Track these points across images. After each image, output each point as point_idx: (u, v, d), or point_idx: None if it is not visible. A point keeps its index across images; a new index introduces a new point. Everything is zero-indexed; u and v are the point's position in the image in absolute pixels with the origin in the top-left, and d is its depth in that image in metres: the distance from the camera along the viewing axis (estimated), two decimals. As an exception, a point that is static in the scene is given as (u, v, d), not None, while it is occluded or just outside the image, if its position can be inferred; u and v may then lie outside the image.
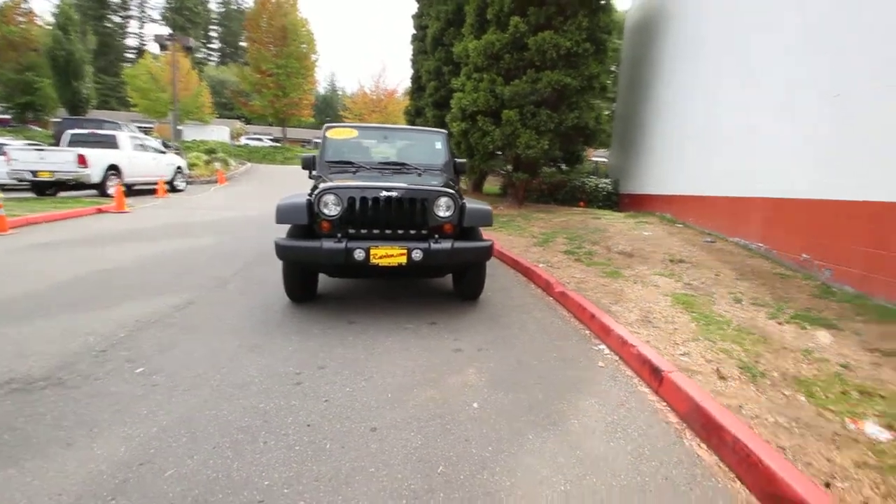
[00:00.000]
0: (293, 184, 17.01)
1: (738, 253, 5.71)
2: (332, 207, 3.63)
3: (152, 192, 12.10)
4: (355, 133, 4.97)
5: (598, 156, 23.87)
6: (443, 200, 3.79)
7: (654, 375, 2.58)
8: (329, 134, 4.91)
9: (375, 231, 3.68)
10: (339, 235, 3.56)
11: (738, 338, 3.22)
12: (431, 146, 5.09)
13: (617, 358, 3.02)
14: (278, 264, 4.82)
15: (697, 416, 2.14)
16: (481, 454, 1.93)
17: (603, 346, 3.21)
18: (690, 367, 2.71)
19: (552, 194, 13.68)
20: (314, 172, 4.92)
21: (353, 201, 3.64)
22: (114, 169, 10.50)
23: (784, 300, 4.01)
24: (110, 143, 10.75)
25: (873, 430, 2.11)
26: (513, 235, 7.73)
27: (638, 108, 11.25)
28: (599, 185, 13.02)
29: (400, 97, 41.61)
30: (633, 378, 2.73)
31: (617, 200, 12.61)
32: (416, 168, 4.78)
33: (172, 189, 13.42)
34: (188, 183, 14.95)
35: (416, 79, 17.35)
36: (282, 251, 3.52)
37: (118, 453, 1.87)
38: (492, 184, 17.24)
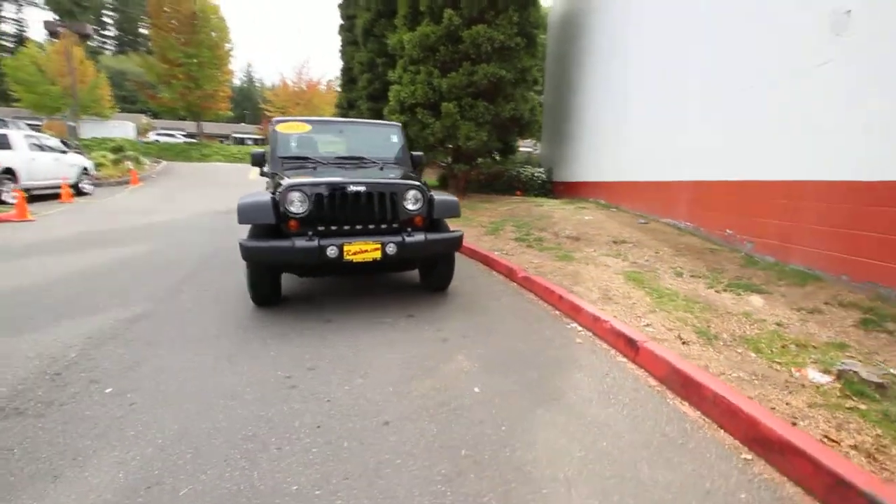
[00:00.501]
0: (224, 183, 15.98)
1: (671, 232, 6.28)
2: (298, 205, 3.51)
3: (55, 196, 10.77)
4: (308, 127, 4.80)
5: (525, 146, 24.80)
6: (411, 193, 3.80)
7: (629, 346, 2.82)
8: (279, 128, 4.70)
9: (346, 227, 3.62)
10: (309, 233, 3.46)
11: (688, 307, 3.58)
12: (387, 139, 5.05)
13: (591, 334, 3.25)
14: (229, 269, 4.57)
15: (676, 378, 2.39)
16: (498, 434, 2.02)
17: (575, 325, 3.43)
18: (656, 337, 2.98)
19: (490, 184, 14.04)
20: (266, 169, 4.71)
21: (321, 197, 3.55)
22: (8, 173, 9.20)
23: (717, 271, 4.51)
24: (1, 143, 9.40)
25: (815, 375, 2.48)
26: (462, 226, 7.87)
27: (566, 101, 11.84)
28: (535, 175, 13.57)
29: (324, 89, 40.26)
30: (609, 350, 2.96)
31: (551, 188, 13.20)
32: (374, 162, 4.74)
33: (78, 193, 12.04)
34: (96, 185, 13.49)
35: (346, 70, 16.92)
36: (249, 252, 3.35)
37: (118, 479, 1.72)
38: (428, 175, 17.32)
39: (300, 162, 4.55)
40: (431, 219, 3.91)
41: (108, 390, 2.39)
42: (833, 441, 1.87)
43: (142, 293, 4.13)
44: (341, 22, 17.37)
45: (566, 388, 2.45)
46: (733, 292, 3.91)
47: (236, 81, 52.47)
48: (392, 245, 3.53)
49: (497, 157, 13.52)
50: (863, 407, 2.15)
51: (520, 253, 5.70)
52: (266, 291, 3.73)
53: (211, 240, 6.88)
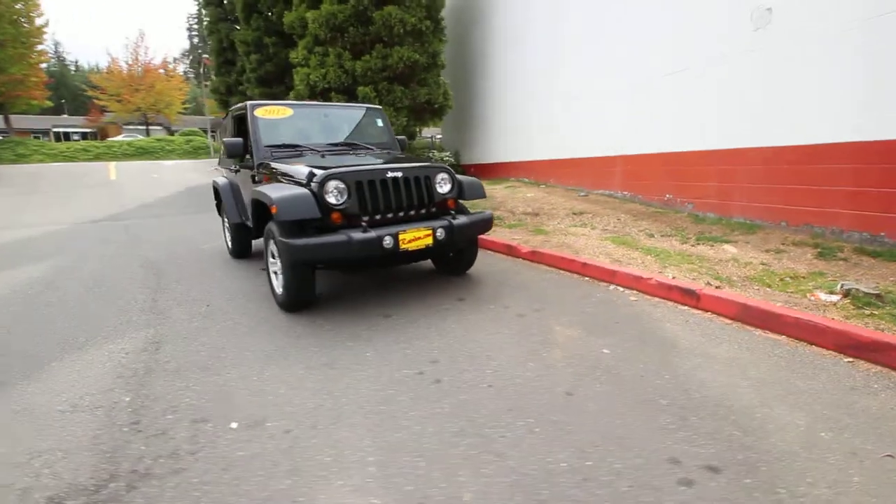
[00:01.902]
0: (84, 185, 13.13)
1: (613, 202, 7.09)
2: (339, 195, 3.22)
3: None
4: (290, 112, 4.33)
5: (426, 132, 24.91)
6: (442, 176, 3.74)
7: (686, 296, 3.25)
8: (259, 113, 4.18)
9: (389, 215, 3.43)
10: (364, 224, 3.20)
11: (685, 259, 4.19)
12: (373, 123, 4.80)
13: (636, 292, 3.62)
14: (203, 279, 4.09)
15: (751, 314, 2.86)
16: (672, 382, 2.23)
17: (616, 286, 3.78)
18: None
19: (402, 170, 13.97)
20: (249, 160, 4.15)
21: (361, 185, 3.31)
22: None
23: (679, 229, 5.29)
24: None
25: (825, 297, 3.17)
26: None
27: (472, 85, 12.26)
28: (444, 158, 13.85)
29: (164, 73, 35.12)
30: (666, 302, 3.36)
31: (461, 171, 13.63)
32: (368, 147, 4.50)
33: None
34: None
35: (220, 51, 15.03)
36: (300, 251, 3.00)
37: (372, 506, 1.52)
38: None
39: (291, 150, 4.11)
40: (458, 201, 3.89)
41: (232, 425, 2.00)
42: (889, 338, 2.48)
43: (120, 319, 3.39)
44: (206, -5, 15.32)
45: (670, 336, 2.76)
46: (706, 244, 4.66)
47: (44, 64, 42.74)
48: (441, 230, 3.45)
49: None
50: (877, 313, 2.84)
51: (493, 231, 5.92)
52: (307, 293, 3.36)
53: (128, 251, 5.80)
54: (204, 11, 15.52)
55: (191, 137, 28.78)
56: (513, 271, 4.41)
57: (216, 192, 5.40)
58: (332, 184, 3.21)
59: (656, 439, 1.81)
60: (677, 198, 5.99)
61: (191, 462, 1.78)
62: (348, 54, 10.41)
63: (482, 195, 4.01)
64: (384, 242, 3.16)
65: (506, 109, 10.88)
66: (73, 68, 51.44)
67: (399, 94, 10.59)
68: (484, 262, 4.81)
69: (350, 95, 10.50)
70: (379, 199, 3.37)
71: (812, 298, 3.17)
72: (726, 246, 4.54)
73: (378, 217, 3.37)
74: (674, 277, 3.67)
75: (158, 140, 28.33)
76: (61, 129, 37.35)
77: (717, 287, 3.40)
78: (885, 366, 2.28)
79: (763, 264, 3.93)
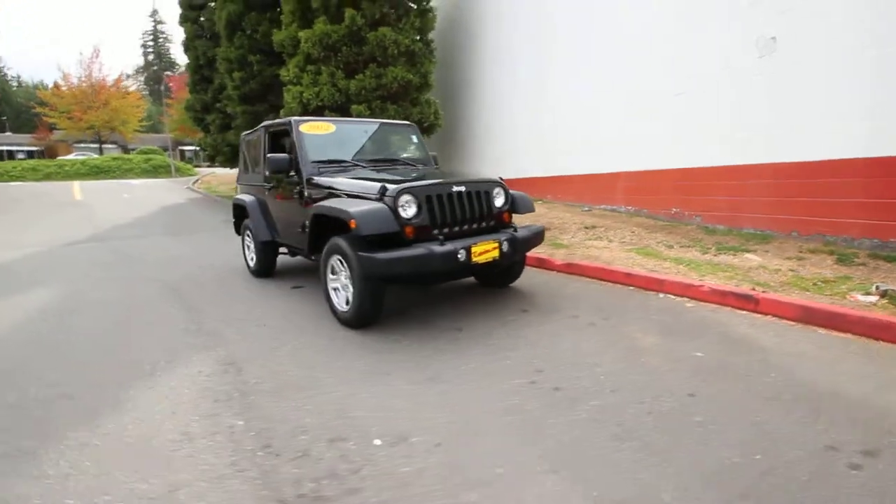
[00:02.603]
0: (35, 206, 12.22)
1: (619, 216, 7.38)
2: (411, 209, 3.23)
3: None
4: (332, 128, 4.30)
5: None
6: (498, 191, 3.81)
7: (743, 300, 3.44)
8: (304, 129, 4.13)
9: (455, 229, 3.45)
10: (440, 238, 3.20)
11: (716, 269, 4.43)
12: (409, 139, 4.84)
13: (688, 299, 3.78)
14: (235, 299, 4.01)
15: (814, 314, 3.06)
16: (778, 380, 2.35)
17: (666, 295, 3.93)
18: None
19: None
20: (293, 176, 4.07)
21: (430, 200, 3.33)
22: None
23: (695, 241, 5.58)
24: None
25: (862, 297, 3.44)
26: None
27: (461, 104, 12.54)
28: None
29: (121, 90, 33.66)
30: (723, 308, 3.53)
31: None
32: (408, 163, 4.53)
33: None
34: None
35: (196, 68, 14.62)
36: (386, 266, 2.98)
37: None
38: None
39: (336, 165, 4.08)
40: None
41: (377, 442, 1.94)
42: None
43: (170, 342, 3.20)
44: (181, 11, 14.91)
45: (749, 338, 2.91)
46: (727, 254, 4.93)
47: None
48: (506, 242, 3.50)
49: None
50: (917, 310, 3.12)
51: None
52: (377, 308, 3.30)
53: (130, 273, 5.51)
54: (181, 28, 15.04)
55: (150, 156, 27.59)
56: (555, 283, 4.50)
57: (240, 209, 5.23)
58: (405, 198, 3.21)
59: (802, 431, 1.91)
60: (684, 211, 6.33)
61: (358, 482, 1.71)
62: (341, 73, 10.43)
63: (532, 209, 4.10)
64: (459, 255, 3.18)
65: (494, 128, 11.18)
66: (14, 84, 48.30)
67: (392, 113, 10.65)
68: (523, 275, 4.88)
69: (343, 113, 10.48)
70: (446, 212, 3.39)
71: (851, 299, 3.43)
72: (748, 255, 4.83)
73: (445, 231, 3.39)
74: (722, 284, 3.87)
75: (115, 159, 26.99)
76: (4, 148, 34.78)
77: (763, 292, 3.62)
78: (957, 356, 2.52)
79: (791, 271, 4.21)
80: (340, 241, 3.30)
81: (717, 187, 5.86)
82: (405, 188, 3.23)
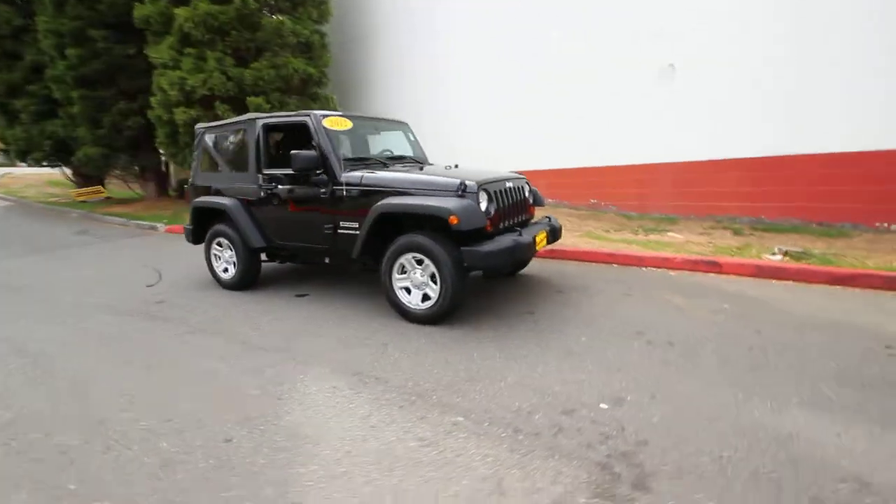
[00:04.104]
0: None
1: (547, 207, 8.34)
2: (485, 203, 3.42)
3: None
4: (350, 124, 4.09)
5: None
6: (528, 185, 4.20)
7: (710, 265, 4.50)
8: (328, 124, 3.87)
9: (508, 223, 3.72)
10: (518, 230, 3.45)
11: (659, 245, 5.58)
12: (408, 137, 4.84)
13: (666, 270, 4.72)
14: (261, 313, 3.85)
15: (762, 271, 4.23)
16: (870, 330, 3.29)
17: (647, 268, 4.83)
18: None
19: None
20: (321, 175, 3.79)
21: (498, 195, 3.57)
22: None
23: (622, 225, 6.77)
24: None
25: (772, 257, 4.82)
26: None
27: (356, 102, 12.30)
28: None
29: None
30: (695, 273, 4.54)
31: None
32: (415, 161, 4.58)
33: None
34: None
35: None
36: (490, 258, 3.17)
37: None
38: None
39: (359, 163, 3.94)
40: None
41: (603, 406, 2.19)
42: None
43: (257, 353, 2.82)
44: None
45: (741, 293, 3.89)
46: (654, 234, 6.19)
47: None
48: (550, 232, 3.94)
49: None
50: (812, 261, 4.55)
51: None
52: (462, 299, 3.38)
53: (55, 300, 4.35)
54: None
55: None
56: (548, 268, 5.05)
57: (207, 213, 4.53)
58: (483, 194, 3.37)
59: (834, 342, 2.81)
60: (601, 202, 7.59)
61: (633, 435, 1.97)
62: (231, 60, 9.35)
63: (543, 203, 4.58)
64: (535, 245, 3.51)
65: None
66: None
67: (293, 107, 9.98)
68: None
69: (238, 105, 9.43)
70: (505, 206, 3.65)
71: (765, 258, 4.80)
72: (670, 234, 6.15)
73: (505, 224, 3.65)
74: (690, 255, 4.95)
75: None
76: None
77: (720, 258, 4.78)
78: (859, 286, 3.84)
79: (710, 243, 5.56)
80: (421, 239, 3.28)
81: (627, 182, 7.21)
82: (481, 183, 3.39)
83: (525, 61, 8.18)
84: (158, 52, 9.06)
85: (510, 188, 3.77)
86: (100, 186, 13.17)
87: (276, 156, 4.46)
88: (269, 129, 4.15)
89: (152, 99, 9.33)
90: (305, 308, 3.92)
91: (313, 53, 10.33)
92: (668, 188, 6.82)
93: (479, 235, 3.33)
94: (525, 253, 3.38)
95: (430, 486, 1.71)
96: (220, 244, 4.55)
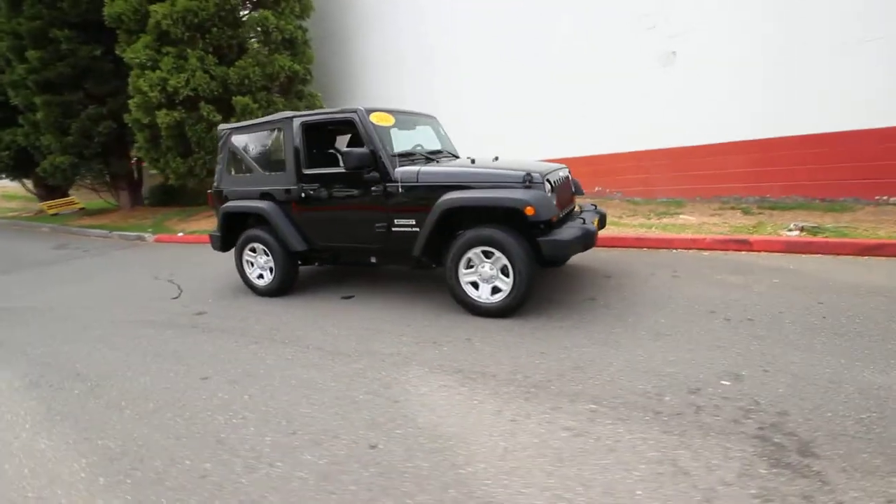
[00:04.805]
0: None
1: (545, 197, 8.45)
2: (551, 194, 3.43)
3: None
4: (392, 120, 3.99)
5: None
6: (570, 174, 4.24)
7: (740, 244, 4.69)
8: (376, 119, 3.77)
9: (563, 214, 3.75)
10: (582, 218, 3.47)
11: (675, 228, 5.76)
12: (437, 132, 4.77)
13: (697, 250, 4.89)
14: (357, 320, 3.71)
15: (794, 247, 4.45)
16: (824, 279, 3.48)
17: (677, 250, 4.98)
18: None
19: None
20: (373, 173, 3.69)
21: (556, 186, 3.58)
22: None
23: (633, 211, 6.95)
24: None
25: (790, 233, 5.07)
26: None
27: (338, 100, 12.02)
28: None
29: None
30: (728, 252, 4.72)
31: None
32: (451, 155, 4.55)
33: None
34: None
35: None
36: (568, 246, 3.26)
37: None
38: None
39: (407, 158, 3.88)
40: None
41: (725, 382, 2.26)
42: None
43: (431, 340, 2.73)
44: None
45: (781, 268, 4.07)
46: (667, 217, 6.38)
47: None
48: (600, 220, 4.00)
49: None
50: (828, 234, 4.82)
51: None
52: (533, 288, 3.39)
53: (97, 322, 4.09)
54: None
55: None
56: (581, 255, 5.14)
57: (239, 218, 4.33)
58: (547, 185, 3.38)
59: (863, 302, 3.00)
60: (606, 188, 7.75)
61: (771, 407, 2.04)
62: (213, 58, 8.95)
63: (582, 192, 4.64)
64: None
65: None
66: None
67: (281, 107, 9.67)
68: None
69: (223, 106, 9.06)
70: (563, 196, 3.68)
71: (783, 234, 5.05)
72: (682, 216, 6.37)
73: (560, 214, 3.67)
74: (719, 235, 5.13)
75: None
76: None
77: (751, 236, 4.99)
78: (885, 256, 4.11)
79: (725, 223, 5.80)
80: (491, 231, 3.26)
81: (628, 168, 7.40)
82: (545, 174, 3.39)
83: (523, 53, 8.22)
84: (134, 52, 8.53)
85: (561, 178, 3.80)
86: (74, 198, 12.33)
87: (316, 155, 4.31)
88: (308, 127, 3.99)
89: (130, 102, 8.80)
90: (360, 310, 3.83)
91: (296, 50, 10.01)
92: (671, 172, 7.04)
93: (546, 226, 3.34)
94: (593, 240, 3.42)
95: (612, 473, 1.71)
96: (253, 250, 4.36)
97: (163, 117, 8.47)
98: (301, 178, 4.00)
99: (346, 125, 3.80)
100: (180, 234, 8.55)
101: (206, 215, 10.96)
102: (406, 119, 4.41)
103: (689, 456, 1.78)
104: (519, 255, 3.19)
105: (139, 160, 10.78)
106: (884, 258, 4.10)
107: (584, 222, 3.47)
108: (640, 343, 2.78)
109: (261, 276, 4.40)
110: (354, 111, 3.76)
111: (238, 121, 9.01)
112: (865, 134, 5.64)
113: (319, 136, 4.30)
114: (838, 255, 4.30)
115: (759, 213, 6.03)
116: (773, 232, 5.11)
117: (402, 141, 4.30)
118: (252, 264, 4.42)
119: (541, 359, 2.68)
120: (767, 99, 6.18)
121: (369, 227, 3.78)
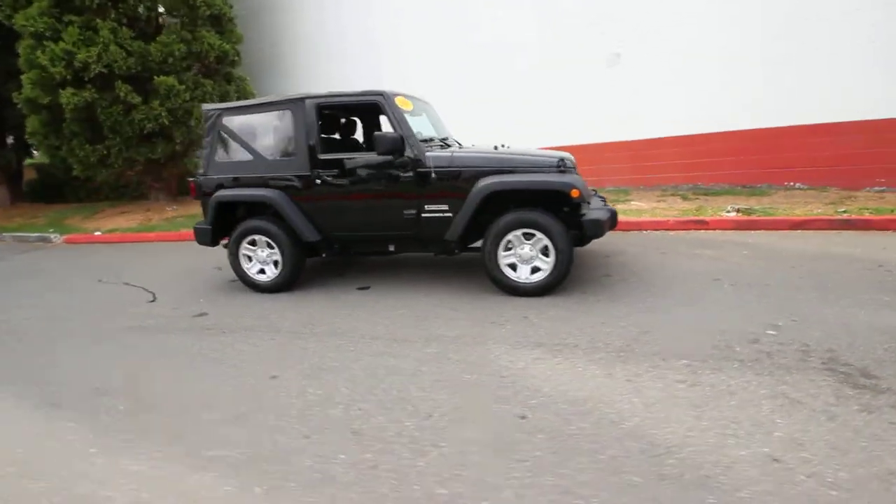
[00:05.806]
0: None
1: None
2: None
3: None
4: (411, 105, 3.92)
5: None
6: (570, 162, 4.54)
7: (699, 224, 5.40)
8: (400, 103, 3.69)
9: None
10: (603, 198, 3.75)
11: (631, 213, 6.43)
12: (434, 118, 4.75)
13: (663, 231, 5.50)
14: (380, 314, 3.74)
15: (740, 224, 5.24)
16: (792, 249, 4.21)
17: (647, 231, 5.56)
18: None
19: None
20: (399, 157, 3.62)
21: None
22: None
23: (624, 199, 7.54)
24: None
25: (728, 214, 5.94)
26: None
27: (269, 85, 11.21)
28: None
29: None
30: (689, 231, 5.39)
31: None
32: (456, 142, 4.59)
33: None
34: None
35: None
36: (605, 226, 3.41)
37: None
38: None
39: (429, 143, 3.87)
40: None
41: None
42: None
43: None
44: None
45: (745, 242, 4.77)
46: (621, 203, 7.03)
47: None
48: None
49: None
50: (764, 215, 5.75)
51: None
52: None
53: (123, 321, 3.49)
54: None
55: None
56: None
57: (229, 207, 3.96)
58: (574, 168, 3.61)
59: (849, 271, 3.75)
60: (595, 179, 8.31)
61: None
62: (127, 31, 7.86)
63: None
64: (611, 215, 3.89)
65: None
66: None
67: (210, 89, 8.84)
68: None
69: (142, 85, 8.01)
70: (578, 181, 3.95)
71: (723, 215, 5.91)
72: (634, 202, 7.08)
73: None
74: (680, 217, 5.81)
75: None
76: None
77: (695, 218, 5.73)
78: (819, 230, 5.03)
79: (670, 207, 6.59)
80: (533, 214, 3.39)
81: (582, 160, 8.00)
82: (564, 159, 3.61)
83: (477, 40, 8.44)
84: (28, 18, 7.12)
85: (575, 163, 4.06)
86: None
87: (333, 139, 4.05)
88: (323, 109, 3.76)
89: (24, 77, 7.35)
90: (384, 299, 3.73)
91: (223, 27, 9.15)
92: (620, 164, 7.79)
93: (576, 208, 3.57)
94: (616, 219, 3.73)
95: (747, 411, 1.96)
96: (253, 243, 3.99)
97: (68, 97, 7.21)
98: (316, 163, 3.76)
99: (368, 109, 3.65)
100: (98, 234, 7.38)
101: (116, 211, 9.56)
102: (417, 105, 4.35)
103: (791, 389, 2.10)
104: (560, 235, 3.37)
105: (26, 147, 9.04)
106: (810, 231, 5.03)
107: (605, 202, 3.77)
108: (678, 309, 3.13)
109: (262, 272, 4.05)
110: (381, 93, 3.63)
111: (162, 104, 8.02)
112: (773, 131, 6.80)
113: (330, 120, 4.07)
114: (776, 230, 5.17)
115: (696, 199, 6.95)
116: (714, 213, 5.95)
117: (421, 125, 4.24)
118: (250, 259, 4.05)
119: (607, 328, 2.89)
120: (693, 101, 7.13)
121: (396, 214, 3.70)
